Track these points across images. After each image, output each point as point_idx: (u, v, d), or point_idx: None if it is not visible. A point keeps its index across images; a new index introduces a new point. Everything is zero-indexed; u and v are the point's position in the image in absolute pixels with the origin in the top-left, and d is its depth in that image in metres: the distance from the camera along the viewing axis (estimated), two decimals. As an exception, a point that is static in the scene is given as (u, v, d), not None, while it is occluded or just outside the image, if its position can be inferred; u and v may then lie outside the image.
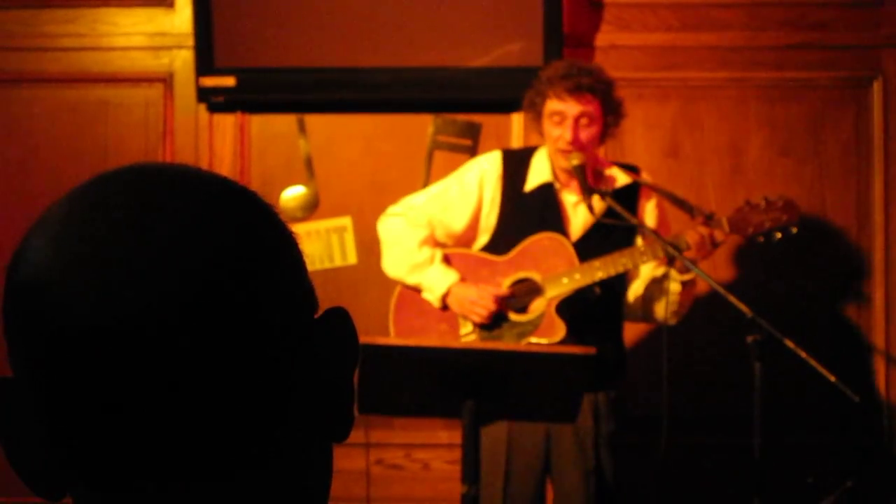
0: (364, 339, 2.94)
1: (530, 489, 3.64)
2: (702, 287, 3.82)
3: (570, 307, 3.62)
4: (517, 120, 4.35)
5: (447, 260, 3.72)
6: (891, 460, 4.36)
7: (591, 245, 3.63)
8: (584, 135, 3.59)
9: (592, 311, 3.65)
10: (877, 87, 4.41)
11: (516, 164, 3.74)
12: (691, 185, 4.32)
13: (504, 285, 3.67)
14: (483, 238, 3.74)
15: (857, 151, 4.41)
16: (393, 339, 3.62)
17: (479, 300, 3.63)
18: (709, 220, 3.62)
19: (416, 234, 3.72)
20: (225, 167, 4.40)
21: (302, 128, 4.44)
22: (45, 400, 0.74)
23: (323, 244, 4.43)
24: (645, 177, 3.79)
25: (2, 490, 3.77)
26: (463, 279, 3.68)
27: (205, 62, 4.32)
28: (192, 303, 0.72)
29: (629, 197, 3.69)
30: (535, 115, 3.66)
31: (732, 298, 3.45)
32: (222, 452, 0.74)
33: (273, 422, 0.76)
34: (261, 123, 4.46)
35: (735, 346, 3.58)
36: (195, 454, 0.74)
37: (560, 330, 3.60)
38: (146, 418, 0.73)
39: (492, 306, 3.63)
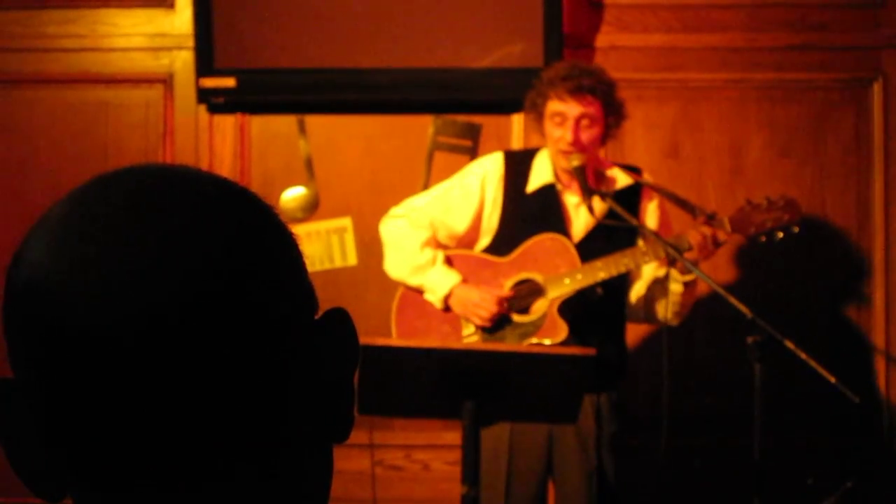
0: (364, 339, 2.94)
1: (532, 490, 3.65)
2: (703, 288, 3.82)
3: (572, 308, 3.62)
4: (517, 121, 4.35)
5: (449, 261, 3.72)
6: (891, 460, 4.36)
7: (593, 246, 3.63)
8: (586, 136, 3.59)
9: (594, 311, 3.65)
10: (877, 88, 4.41)
11: (518, 165, 3.74)
12: (691, 186, 4.32)
13: (506, 286, 3.67)
14: (485, 239, 3.74)
15: (857, 152, 4.41)
16: (393, 340, 3.62)
17: (481, 302, 3.63)
18: (710, 219, 3.62)
19: (419, 235, 3.72)
20: (225, 168, 4.40)
21: (302, 129, 4.44)
22: (46, 400, 0.74)
23: (323, 245, 4.43)
24: (647, 177, 3.79)
25: (2, 490, 3.77)
26: (465, 280, 3.68)
27: (205, 63, 4.32)
28: (193, 304, 0.72)
29: (631, 198, 3.69)
30: (537, 115, 3.66)
31: (732, 299, 3.44)
32: (222, 453, 0.74)
33: (273, 422, 0.76)
34: (261, 124, 4.46)
35: (735, 346, 3.58)
36: (195, 454, 0.74)
37: (562, 330, 3.60)
38: (146, 419, 0.73)
39: (494, 308, 3.63)
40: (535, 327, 3.63)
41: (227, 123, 4.45)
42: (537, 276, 3.65)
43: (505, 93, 4.19)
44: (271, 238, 0.78)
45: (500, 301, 3.64)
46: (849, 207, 4.41)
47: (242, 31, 4.33)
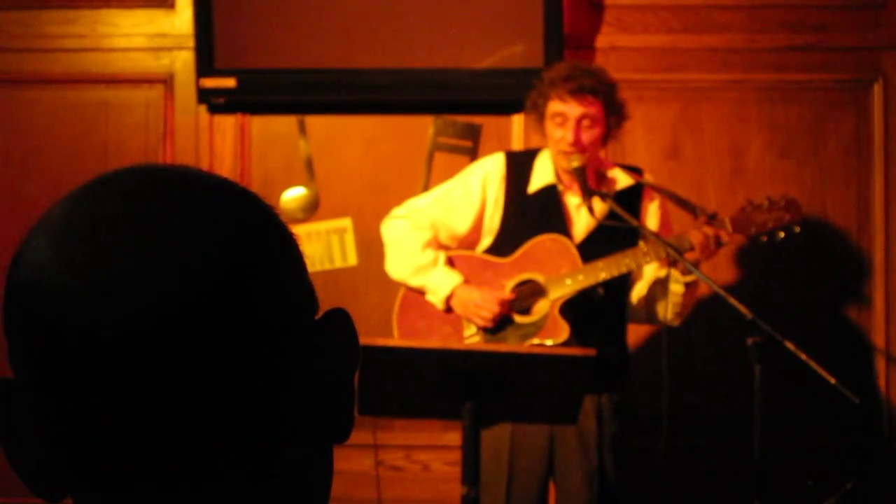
0: (364, 340, 2.93)
1: (533, 490, 3.64)
2: (703, 289, 3.82)
3: (573, 308, 3.62)
4: (518, 121, 4.35)
5: (451, 262, 3.72)
6: (891, 460, 4.36)
7: (595, 246, 3.62)
8: (586, 136, 3.59)
9: (596, 312, 3.65)
10: (877, 89, 4.41)
11: (519, 165, 3.74)
12: (692, 186, 4.32)
13: (507, 287, 3.67)
14: (486, 240, 3.74)
15: (857, 153, 4.41)
16: (393, 341, 3.62)
17: (482, 303, 3.63)
18: (712, 220, 3.62)
19: (420, 236, 3.72)
20: (225, 168, 4.40)
21: (302, 129, 4.43)
22: (46, 400, 0.74)
23: (323, 245, 4.43)
24: (648, 178, 3.79)
25: (2, 490, 3.77)
26: (467, 281, 3.68)
27: (205, 63, 4.32)
28: (193, 304, 0.72)
29: (632, 198, 3.69)
30: (538, 116, 3.66)
31: (733, 300, 3.44)
32: (223, 453, 0.74)
33: (273, 422, 0.76)
34: (261, 125, 4.46)
35: (735, 347, 3.58)
36: (196, 454, 0.74)
37: (564, 331, 3.60)
38: (146, 418, 0.73)
39: (496, 309, 3.63)
40: (537, 328, 3.63)
41: (227, 124, 4.45)
42: (539, 277, 3.65)
43: (505, 93, 4.19)
44: (272, 238, 0.78)
45: (502, 302, 3.64)
46: (849, 208, 4.41)
47: (243, 32, 4.33)
